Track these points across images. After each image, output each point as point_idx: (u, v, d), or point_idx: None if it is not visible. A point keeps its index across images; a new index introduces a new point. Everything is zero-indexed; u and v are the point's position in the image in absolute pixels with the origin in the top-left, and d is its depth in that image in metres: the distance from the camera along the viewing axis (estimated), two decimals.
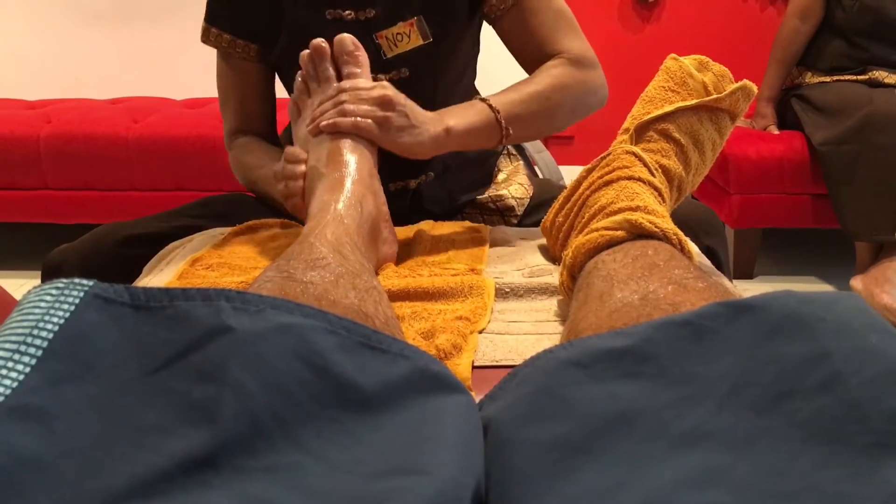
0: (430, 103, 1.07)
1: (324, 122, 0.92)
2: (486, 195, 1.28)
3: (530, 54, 1.17)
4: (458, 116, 1.00)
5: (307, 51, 0.96)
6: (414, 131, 0.94)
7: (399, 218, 1.12)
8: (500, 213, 1.27)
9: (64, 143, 2.39)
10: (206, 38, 1.20)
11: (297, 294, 0.60)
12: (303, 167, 0.93)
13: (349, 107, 0.92)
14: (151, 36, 3.04)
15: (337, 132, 0.91)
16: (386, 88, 0.94)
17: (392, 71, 1.13)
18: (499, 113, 1.03)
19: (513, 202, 1.27)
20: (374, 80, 1.08)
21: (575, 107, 1.15)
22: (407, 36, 1.12)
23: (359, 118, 0.91)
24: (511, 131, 1.05)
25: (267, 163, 1.15)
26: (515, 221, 1.27)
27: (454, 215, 1.26)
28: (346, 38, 0.95)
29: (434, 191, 1.21)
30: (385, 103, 0.93)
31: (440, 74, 1.18)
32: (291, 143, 1.00)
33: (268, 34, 1.16)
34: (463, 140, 1.01)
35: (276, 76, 1.24)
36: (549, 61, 1.15)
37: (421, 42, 1.13)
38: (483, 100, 1.05)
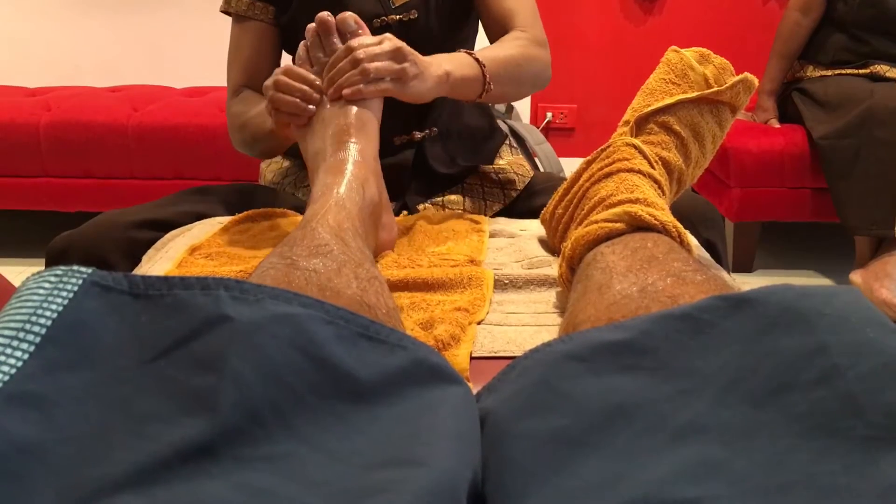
0: (439, 46, 1.09)
1: (347, 90, 0.92)
2: (489, 167, 1.30)
3: (495, 23, 1.23)
4: (453, 63, 1.03)
5: (313, 24, 0.97)
6: (423, 76, 0.97)
7: (401, 175, 1.16)
8: (501, 186, 1.28)
9: (64, 130, 2.39)
10: (226, 6, 1.24)
11: (301, 282, 0.60)
12: (315, 95, 0.93)
13: (371, 66, 0.92)
14: (152, 24, 3.03)
15: (361, 98, 0.92)
16: (392, 40, 0.95)
17: (401, 13, 1.18)
18: (485, 67, 1.07)
19: (514, 176, 1.29)
20: (383, 24, 1.16)
21: (533, 80, 1.21)
22: None
23: (380, 81, 0.92)
24: (492, 87, 1.08)
25: (259, 103, 1.15)
26: (514, 195, 1.28)
27: (457, 181, 1.28)
28: (349, 16, 0.96)
29: (437, 150, 1.24)
30: (398, 55, 0.94)
31: (448, 21, 1.22)
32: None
33: None
34: (456, 86, 1.03)
35: (284, 52, 1.26)
36: (512, 32, 1.20)
37: None
38: (469, 53, 1.08)
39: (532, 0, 1.25)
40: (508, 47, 1.15)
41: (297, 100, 0.93)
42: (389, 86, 0.93)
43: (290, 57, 1.25)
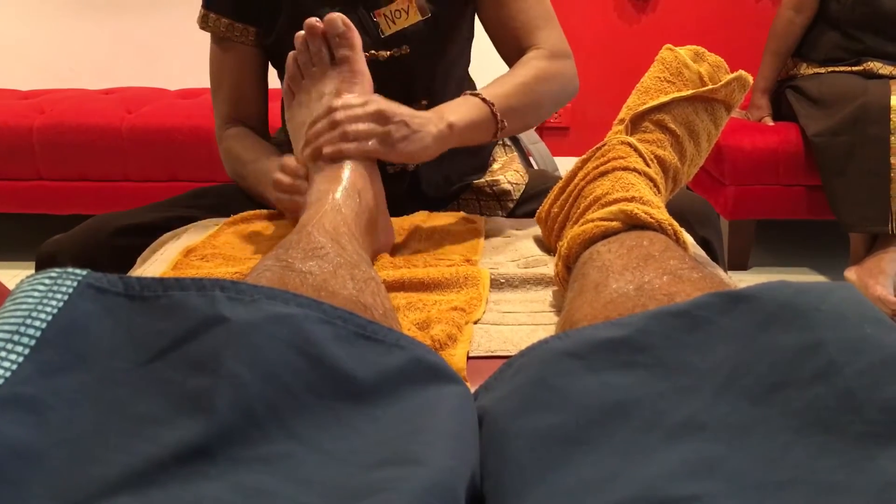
0: (430, 81, 1.06)
1: (327, 150, 0.89)
2: (482, 180, 1.28)
3: (509, 43, 1.19)
4: (457, 112, 0.99)
5: (302, 32, 0.94)
6: (416, 137, 0.93)
7: (396, 201, 1.12)
8: (497, 198, 1.27)
9: (57, 133, 2.38)
10: (203, 24, 1.19)
11: (297, 284, 0.60)
12: (305, 185, 0.92)
13: (350, 128, 0.89)
14: (145, 26, 3.02)
15: (341, 157, 0.89)
16: (377, 102, 0.92)
17: (393, 48, 1.13)
18: (493, 106, 1.03)
19: (509, 187, 1.27)
20: (372, 58, 1.09)
21: (555, 98, 1.17)
22: (405, 12, 1.12)
23: (362, 142, 0.90)
24: (506, 124, 1.05)
25: (259, 157, 1.14)
26: (511, 205, 1.27)
27: (451, 201, 1.26)
28: (337, 17, 0.93)
29: (431, 175, 1.21)
30: (381, 118, 0.91)
31: (440, 52, 1.18)
32: (284, 145, 1.00)
33: (267, 16, 1.15)
34: (464, 135, 1.00)
35: (270, 65, 1.23)
36: (528, 53, 1.16)
37: (419, 18, 1.13)
38: (475, 94, 1.04)
39: (545, 4, 1.20)
40: (522, 74, 1.11)
41: (293, 199, 0.95)
42: (375, 147, 0.90)
43: (278, 74, 1.24)
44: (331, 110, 0.91)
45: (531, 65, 1.13)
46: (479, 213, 1.26)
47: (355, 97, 0.92)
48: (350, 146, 0.89)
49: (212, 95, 1.24)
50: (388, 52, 1.13)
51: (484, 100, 1.03)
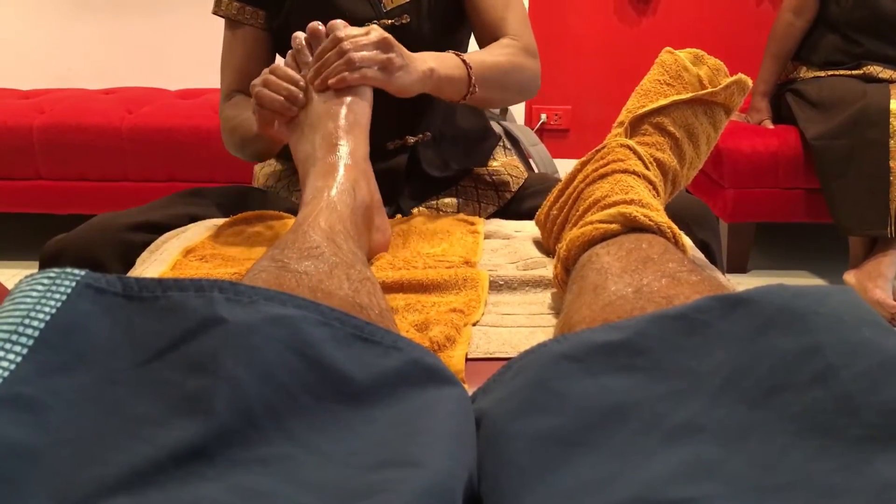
0: (426, 51, 1.09)
1: (332, 79, 0.92)
2: (482, 168, 1.30)
3: (485, 30, 1.23)
4: (439, 62, 1.04)
5: (300, 33, 0.97)
6: (409, 68, 0.97)
7: (395, 179, 1.15)
8: (495, 188, 1.28)
9: (57, 133, 2.38)
10: (216, 8, 1.23)
11: (292, 285, 0.60)
12: (300, 94, 0.93)
13: (355, 55, 0.92)
14: (145, 26, 3.02)
15: (346, 86, 0.93)
16: (379, 30, 0.95)
17: (394, 17, 1.18)
18: (471, 69, 1.07)
19: (508, 178, 1.29)
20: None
21: (521, 88, 1.22)
22: None
23: (365, 69, 0.93)
24: (477, 90, 1.08)
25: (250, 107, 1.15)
26: (509, 197, 1.28)
27: (450, 185, 1.27)
28: (339, 23, 0.96)
29: (431, 154, 1.24)
30: (386, 45, 0.94)
31: (441, 26, 1.22)
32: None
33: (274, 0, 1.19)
34: (441, 84, 1.04)
35: (277, 55, 1.25)
36: (503, 39, 1.20)
37: None
38: (457, 54, 1.08)
39: (523, 9, 1.25)
40: (497, 53, 1.16)
41: (282, 97, 0.93)
42: (375, 74, 0.94)
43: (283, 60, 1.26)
44: (336, 40, 0.93)
45: (507, 51, 1.17)
46: (477, 201, 1.26)
47: (357, 28, 0.96)
48: (354, 75, 0.92)
49: (220, 71, 1.27)
50: (390, 21, 1.17)
51: (464, 61, 1.07)
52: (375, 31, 0.95)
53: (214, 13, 1.25)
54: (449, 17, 1.23)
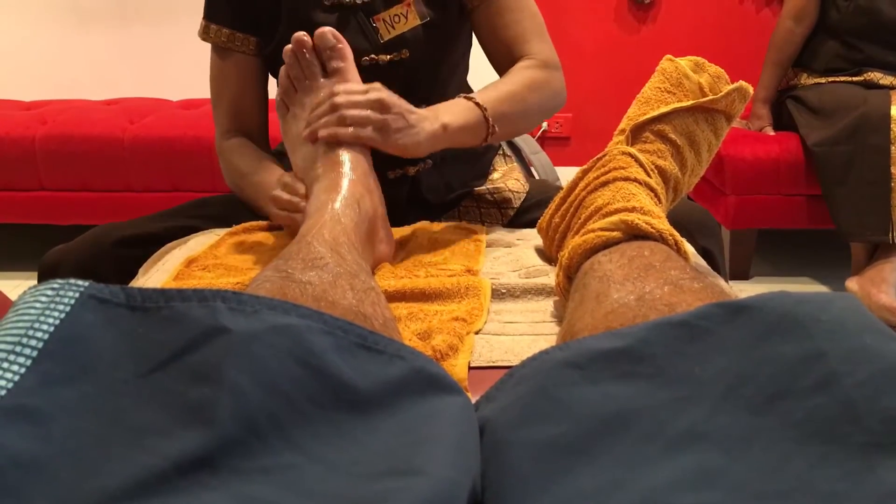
0: (430, 86, 1.07)
1: (323, 132, 0.91)
2: (483, 187, 1.29)
3: (501, 51, 1.20)
4: (451, 113, 1.01)
5: (290, 45, 0.95)
6: (411, 131, 0.94)
7: (397, 207, 1.13)
8: (498, 206, 1.27)
9: (60, 143, 2.39)
10: (205, 35, 1.19)
11: (297, 294, 0.60)
12: (303, 203, 0.92)
13: (348, 113, 0.91)
14: (147, 37, 3.04)
15: (336, 141, 0.91)
16: (380, 91, 0.93)
17: (393, 52, 1.14)
18: (486, 111, 1.05)
19: (510, 194, 1.27)
20: (372, 63, 1.10)
21: (544, 107, 1.18)
22: (404, 17, 1.14)
23: (358, 128, 0.91)
24: (497, 129, 1.06)
25: (258, 170, 1.14)
26: (512, 213, 1.27)
27: (451, 207, 1.27)
28: (327, 31, 0.94)
29: (432, 180, 1.22)
30: (381, 106, 0.92)
31: (439, 57, 1.19)
32: (286, 158, 1.00)
33: (267, 25, 1.16)
34: (456, 136, 1.01)
35: (270, 76, 1.24)
36: (520, 62, 1.17)
37: (418, 22, 1.14)
38: (469, 97, 1.06)
39: (538, 18, 1.21)
40: (511, 82, 1.13)
41: (292, 217, 0.95)
42: (369, 134, 0.92)
43: (278, 84, 1.24)
44: (332, 94, 0.92)
45: (523, 73, 1.14)
46: (480, 221, 1.26)
47: (357, 85, 0.94)
48: (346, 131, 0.90)
49: (212, 106, 1.24)
50: (389, 56, 1.13)
51: (477, 104, 1.04)
52: (375, 91, 0.93)
53: (203, 39, 1.20)
54: (450, 44, 1.21)
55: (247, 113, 1.22)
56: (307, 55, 0.95)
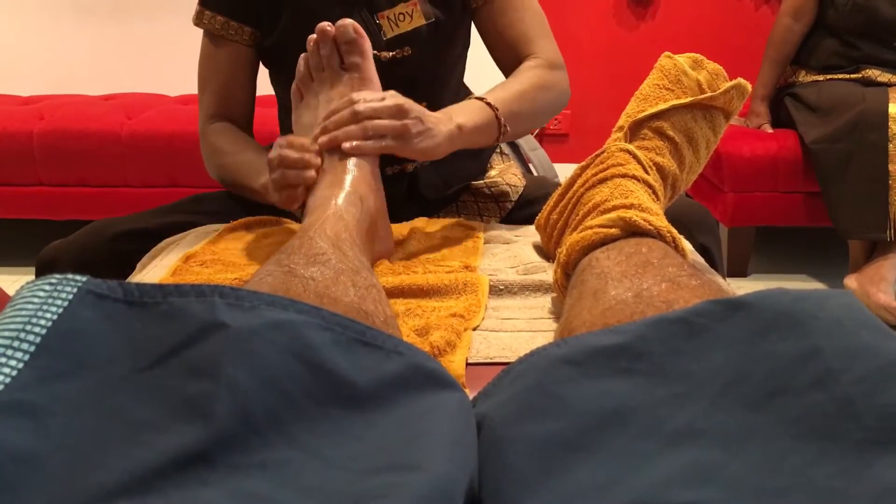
0: (431, 84, 1.06)
1: (346, 145, 0.88)
2: (480, 181, 1.29)
3: (505, 50, 1.20)
4: (464, 114, 1.01)
5: (314, 35, 0.94)
6: (430, 133, 0.94)
7: (395, 203, 1.12)
8: (495, 200, 1.27)
9: (57, 139, 2.39)
10: (198, 21, 1.18)
11: (300, 290, 0.60)
12: (316, 159, 0.89)
13: (370, 124, 0.89)
14: (145, 31, 3.03)
15: (361, 154, 0.89)
16: (396, 97, 0.93)
17: (395, 49, 1.14)
18: (498, 111, 1.05)
19: (507, 188, 1.28)
20: (377, 57, 1.09)
21: (552, 106, 1.19)
22: (409, 16, 1.14)
23: (380, 139, 0.90)
24: (508, 129, 1.06)
25: (244, 149, 1.13)
26: (510, 207, 1.27)
27: (449, 203, 1.27)
28: (349, 24, 0.93)
29: (429, 177, 1.21)
30: (400, 112, 0.91)
31: (441, 55, 1.19)
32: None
33: (267, 16, 1.15)
34: (471, 137, 1.01)
35: (262, 67, 1.23)
36: (525, 62, 1.18)
37: (423, 22, 1.14)
38: (480, 98, 1.06)
39: (542, 17, 1.22)
40: (519, 81, 1.13)
41: (301, 174, 0.89)
42: (391, 143, 0.91)
43: (270, 76, 1.24)
44: (351, 102, 0.91)
45: (531, 73, 1.15)
46: (478, 215, 1.26)
47: (372, 93, 0.93)
48: (369, 144, 0.89)
49: (199, 90, 1.23)
50: (391, 54, 1.14)
51: (489, 104, 1.05)
52: (392, 98, 0.92)
53: (196, 25, 1.19)
54: (452, 42, 1.21)
55: (234, 101, 1.21)
56: (328, 46, 0.94)
